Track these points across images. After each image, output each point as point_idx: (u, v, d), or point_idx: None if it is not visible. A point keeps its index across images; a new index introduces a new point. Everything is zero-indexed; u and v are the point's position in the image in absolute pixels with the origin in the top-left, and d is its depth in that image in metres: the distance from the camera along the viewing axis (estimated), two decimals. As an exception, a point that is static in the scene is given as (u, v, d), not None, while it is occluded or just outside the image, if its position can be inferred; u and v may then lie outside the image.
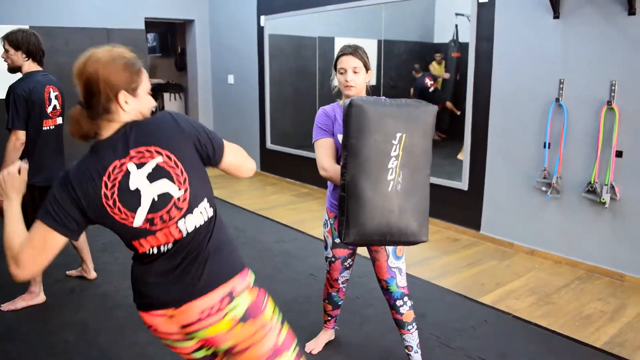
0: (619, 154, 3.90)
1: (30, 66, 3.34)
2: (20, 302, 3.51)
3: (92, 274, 3.96)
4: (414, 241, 2.24)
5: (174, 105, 9.76)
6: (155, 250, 1.60)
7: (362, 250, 2.93)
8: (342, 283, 2.85)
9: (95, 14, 7.44)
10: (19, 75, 3.37)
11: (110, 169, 1.52)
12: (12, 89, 3.26)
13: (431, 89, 6.94)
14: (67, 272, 4.03)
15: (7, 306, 3.49)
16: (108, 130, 1.57)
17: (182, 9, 8.35)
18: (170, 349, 1.76)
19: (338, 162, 2.51)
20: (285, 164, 7.47)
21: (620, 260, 4.00)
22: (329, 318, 3.04)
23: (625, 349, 3.04)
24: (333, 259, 2.75)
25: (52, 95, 3.37)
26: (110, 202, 1.52)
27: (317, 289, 3.80)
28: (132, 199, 1.53)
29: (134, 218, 1.54)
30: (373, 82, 6.73)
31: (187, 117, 1.62)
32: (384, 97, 2.49)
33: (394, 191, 2.16)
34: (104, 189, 1.51)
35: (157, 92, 9.91)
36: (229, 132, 8.67)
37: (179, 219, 1.57)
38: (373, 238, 2.19)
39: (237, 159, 1.73)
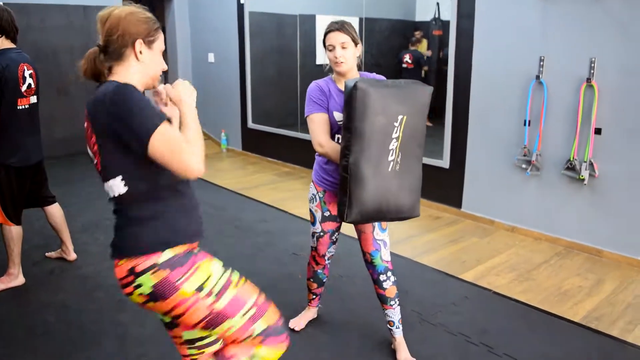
0: (597, 131, 3.93)
1: (2, 43, 3.23)
2: (-2, 285, 3.47)
3: (72, 255, 3.92)
4: (408, 216, 2.38)
5: (154, 85, 9.63)
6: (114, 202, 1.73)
7: (345, 228, 2.93)
8: (328, 259, 2.86)
9: (71, -10, 7.26)
10: None
11: (86, 112, 1.66)
12: None
13: (404, 66, 6.94)
14: (46, 254, 3.99)
15: (-14, 288, 3.45)
16: (109, 79, 1.68)
17: (160, -14, 8.20)
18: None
19: (331, 138, 2.53)
20: (266, 143, 7.43)
21: (598, 236, 4.06)
22: (314, 296, 3.06)
23: (602, 323, 3.10)
24: (322, 234, 2.74)
25: (27, 73, 3.28)
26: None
27: (299, 266, 3.81)
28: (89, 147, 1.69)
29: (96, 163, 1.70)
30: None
31: (125, 102, 1.53)
32: (381, 77, 2.53)
33: (392, 171, 2.26)
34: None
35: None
36: (209, 112, 8.58)
37: (104, 182, 1.67)
38: (372, 216, 2.31)
39: (166, 155, 1.52)
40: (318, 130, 2.51)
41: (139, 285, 1.64)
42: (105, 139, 1.59)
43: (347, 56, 2.48)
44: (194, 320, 1.68)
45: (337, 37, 2.47)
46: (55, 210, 3.75)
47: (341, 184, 2.28)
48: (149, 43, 1.69)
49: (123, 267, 1.66)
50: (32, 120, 3.39)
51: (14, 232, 3.43)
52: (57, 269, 3.80)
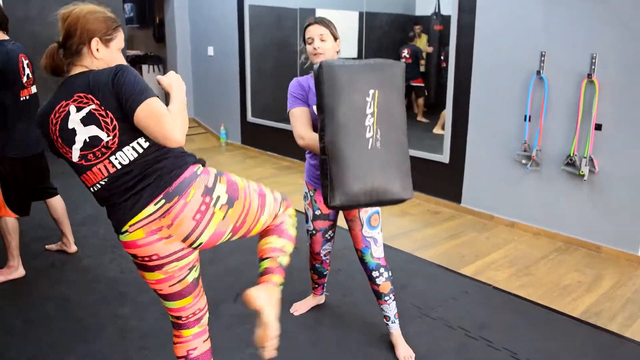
0: (598, 127, 3.93)
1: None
2: (-2, 277, 3.47)
3: (73, 248, 3.92)
4: (398, 199, 2.22)
5: (153, 78, 9.59)
6: (98, 186, 1.77)
7: (342, 223, 2.92)
8: (325, 256, 2.88)
9: (70, -18, 7.23)
10: None
11: (57, 107, 1.72)
12: None
13: (402, 61, 6.92)
14: (46, 246, 3.99)
15: (-14, 280, 3.45)
16: (74, 71, 1.78)
17: (159, -22, 8.17)
18: (161, 292, 1.92)
19: (316, 131, 2.50)
20: (266, 137, 7.42)
21: (597, 232, 4.07)
22: (316, 285, 3.12)
23: (601, 318, 3.11)
24: (314, 232, 2.78)
25: (25, 64, 3.27)
26: (55, 137, 1.74)
27: (299, 260, 3.80)
28: (69, 136, 1.72)
29: (71, 154, 1.74)
30: (354, 54, 6.69)
31: (129, 73, 1.69)
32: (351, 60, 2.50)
33: (374, 148, 2.14)
34: (50, 125, 1.74)
35: (135, 64, 9.73)
36: (209, 105, 8.58)
37: (110, 155, 1.72)
38: (359, 199, 2.16)
39: (151, 122, 1.63)
40: (298, 123, 2.53)
41: (218, 198, 1.76)
42: (116, 109, 1.67)
43: (325, 47, 2.49)
44: (255, 213, 1.86)
45: (315, 30, 2.50)
46: (57, 203, 3.74)
47: (321, 167, 2.17)
48: (105, 41, 1.79)
49: (196, 194, 1.73)
50: (34, 110, 3.38)
51: (10, 224, 3.42)
52: (57, 261, 3.80)
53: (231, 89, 7.87)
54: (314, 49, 2.50)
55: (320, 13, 6.73)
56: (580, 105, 3.97)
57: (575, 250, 4.11)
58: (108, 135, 1.69)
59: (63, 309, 3.16)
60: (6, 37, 3.26)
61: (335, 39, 2.53)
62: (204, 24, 8.29)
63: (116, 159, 1.72)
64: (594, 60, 3.86)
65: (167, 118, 1.61)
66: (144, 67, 9.56)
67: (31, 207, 3.54)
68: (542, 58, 4.15)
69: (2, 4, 3.23)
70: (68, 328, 2.96)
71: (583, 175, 4.01)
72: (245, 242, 4.20)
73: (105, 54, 1.80)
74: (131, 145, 1.71)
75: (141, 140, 1.72)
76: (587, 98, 3.95)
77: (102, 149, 1.71)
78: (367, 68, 2.16)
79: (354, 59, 6.05)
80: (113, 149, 1.71)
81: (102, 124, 1.68)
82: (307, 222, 2.81)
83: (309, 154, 2.69)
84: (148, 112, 1.63)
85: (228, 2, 7.54)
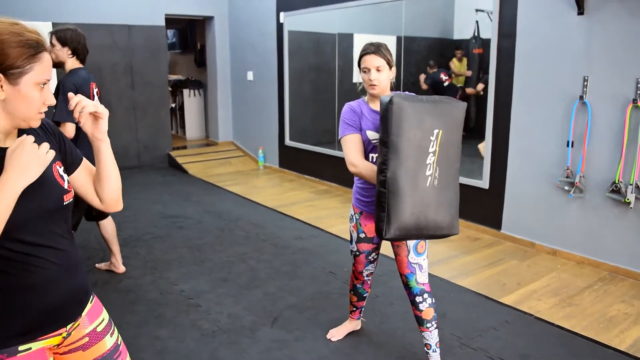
0: (644, 153, 3.83)
1: (74, 63, 3.50)
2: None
3: (121, 268, 4.01)
4: (447, 234, 2.35)
5: (194, 102, 9.80)
6: None
7: (384, 248, 2.91)
8: (367, 276, 2.88)
9: (116, 10, 7.49)
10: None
11: None
12: (61, 83, 3.42)
13: (446, 84, 6.91)
14: (96, 265, 4.09)
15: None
16: None
17: (201, 6, 8.38)
18: None
19: (365, 158, 2.54)
20: (303, 161, 7.46)
21: (644, 261, 3.94)
22: (354, 309, 3.09)
23: (650, 352, 2.99)
24: (357, 253, 2.79)
25: (94, 91, 3.54)
26: None
27: (336, 286, 3.79)
28: None
29: None
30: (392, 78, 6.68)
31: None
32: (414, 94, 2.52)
33: (431, 186, 2.24)
34: None
35: (176, 88, 9.97)
36: (247, 129, 8.69)
37: None
38: (412, 233, 2.28)
39: None
40: (351, 151, 2.54)
41: (102, 320, 1.62)
42: None
43: (381, 79, 2.51)
44: None
45: (372, 61, 2.50)
46: (107, 223, 3.88)
47: (378, 199, 2.26)
48: (13, 76, 1.26)
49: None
50: None
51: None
52: (99, 281, 3.87)
53: (269, 113, 7.96)
54: (370, 79, 2.51)
55: (358, 38, 6.77)
56: (626, 131, 3.87)
57: (621, 280, 3.98)
58: None
59: (103, 330, 3.20)
60: (80, 66, 3.54)
61: (391, 67, 2.54)
62: (243, 50, 8.45)
63: None
64: (639, 85, 3.78)
65: None
66: (185, 91, 9.77)
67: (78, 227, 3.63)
68: (585, 83, 4.08)
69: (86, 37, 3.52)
70: (108, 349, 3.00)
71: (629, 203, 3.89)
72: (283, 266, 4.22)
73: (11, 94, 1.27)
74: None
75: None
76: (633, 123, 3.85)
77: None
78: (433, 107, 2.23)
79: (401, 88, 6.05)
80: None
81: None
82: (351, 243, 2.81)
83: (357, 178, 2.70)
84: None
85: (267, 28, 7.68)
